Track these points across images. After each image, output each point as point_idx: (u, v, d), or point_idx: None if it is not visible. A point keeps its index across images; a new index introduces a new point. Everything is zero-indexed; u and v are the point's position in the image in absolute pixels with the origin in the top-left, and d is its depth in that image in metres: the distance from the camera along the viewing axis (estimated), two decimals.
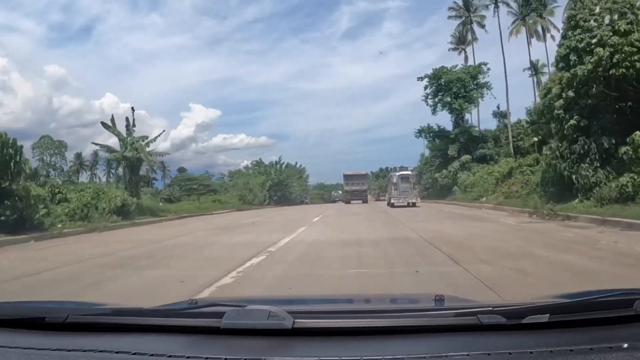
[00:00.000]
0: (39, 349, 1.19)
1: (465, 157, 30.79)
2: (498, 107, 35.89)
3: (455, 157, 31.57)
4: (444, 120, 42.42)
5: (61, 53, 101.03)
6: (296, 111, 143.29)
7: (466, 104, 34.37)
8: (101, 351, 1.16)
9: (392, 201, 26.46)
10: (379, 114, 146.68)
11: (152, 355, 1.14)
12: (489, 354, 1.09)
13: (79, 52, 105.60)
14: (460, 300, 1.65)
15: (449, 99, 35.26)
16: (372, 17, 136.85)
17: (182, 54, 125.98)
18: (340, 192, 59.04)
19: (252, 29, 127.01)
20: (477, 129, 34.83)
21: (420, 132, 36.63)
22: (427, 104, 35.32)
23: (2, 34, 75.56)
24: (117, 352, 1.15)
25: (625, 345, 1.09)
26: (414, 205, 25.16)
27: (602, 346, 1.09)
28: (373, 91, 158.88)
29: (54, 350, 1.19)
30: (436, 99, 35.74)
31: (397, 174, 28.80)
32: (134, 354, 1.14)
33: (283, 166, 54.87)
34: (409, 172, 28.87)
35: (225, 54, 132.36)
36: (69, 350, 1.19)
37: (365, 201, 43.62)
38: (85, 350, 1.18)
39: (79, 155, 64.36)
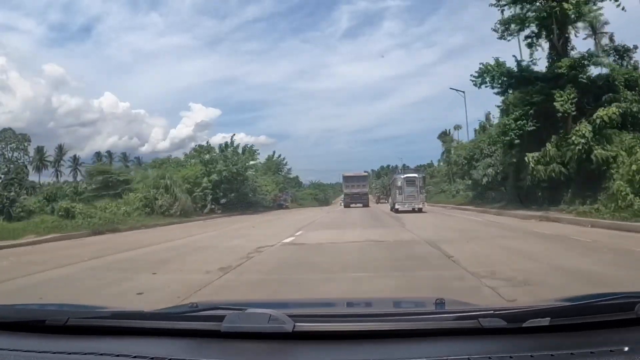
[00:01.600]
0: (40, 352, 1.27)
1: (610, 111, 16.63)
2: (611, 39, 24.64)
3: (570, 114, 17.81)
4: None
5: (60, 52, 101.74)
6: (296, 111, 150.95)
7: (588, 6, 18.73)
8: (101, 354, 1.24)
9: (397, 206, 26.59)
10: (379, 113, 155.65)
11: (152, 358, 1.20)
12: (489, 358, 1.14)
13: (79, 51, 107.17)
14: (461, 304, 1.75)
15: (539, 4, 19.15)
16: (372, 17, 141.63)
17: (182, 53, 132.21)
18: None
19: (252, 29, 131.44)
20: (603, 58, 20.20)
21: (484, 74, 20.36)
22: (500, 17, 20.20)
23: (1, 33, 69.02)
24: (118, 355, 1.23)
25: (627, 349, 1.15)
26: (420, 210, 26.05)
27: (603, 350, 1.15)
28: (374, 90, 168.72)
29: (55, 353, 1.26)
30: (514, 9, 19.79)
31: (402, 176, 27.49)
32: (135, 357, 1.22)
33: (240, 151, 37.80)
34: (415, 175, 28.04)
35: (225, 53, 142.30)
36: (69, 354, 1.26)
37: (366, 205, 44.42)
38: (85, 354, 1.24)
39: (39, 150, 59.36)
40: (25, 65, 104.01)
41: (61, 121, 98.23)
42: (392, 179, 31.66)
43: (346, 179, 48.65)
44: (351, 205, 43.46)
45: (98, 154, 70.74)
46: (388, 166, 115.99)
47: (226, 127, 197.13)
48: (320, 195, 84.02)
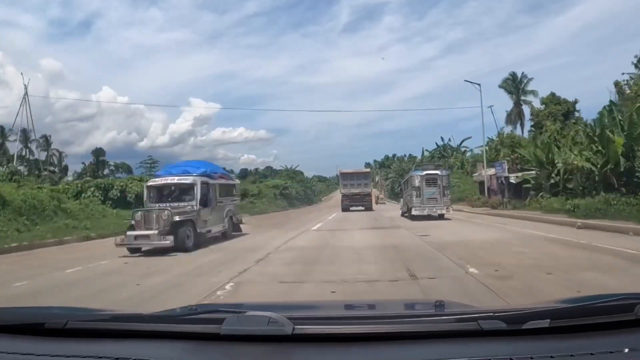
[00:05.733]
0: (39, 355, 1.25)
1: None
2: None
3: None
4: None
5: (59, 48, 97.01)
6: (296, 105, 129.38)
7: None
8: (100, 357, 1.22)
9: (414, 212, 21.45)
10: (380, 107, 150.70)
11: None
12: None
13: (77, 47, 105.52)
14: (461, 306, 1.69)
15: None
16: (372, 11, 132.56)
17: (182, 48, 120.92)
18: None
19: (252, 24, 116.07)
20: None
21: None
22: None
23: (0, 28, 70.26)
24: (117, 358, 1.21)
25: (626, 350, 1.13)
26: (442, 217, 21.02)
27: (603, 351, 1.13)
28: (374, 85, 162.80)
29: (54, 356, 1.24)
30: None
31: (422, 173, 22.21)
32: None
33: None
34: (437, 172, 22.41)
35: (225, 48, 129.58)
36: (69, 357, 1.24)
37: (368, 208, 35.73)
38: (84, 357, 1.23)
39: None
40: (23, 60, 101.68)
41: (59, 116, 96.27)
42: (408, 177, 25.85)
43: (344, 176, 38.51)
44: (351, 209, 35.75)
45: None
46: (394, 156, 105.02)
47: (226, 122, 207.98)
48: (299, 192, 58.41)
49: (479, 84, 33.43)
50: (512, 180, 26.47)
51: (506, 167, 27.23)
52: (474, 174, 39.44)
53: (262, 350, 1.21)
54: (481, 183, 34.49)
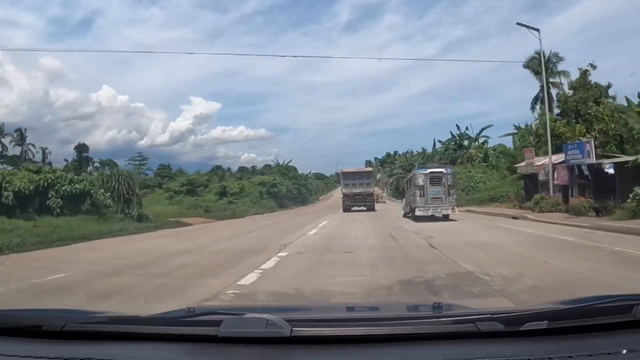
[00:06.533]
0: (36, 357, 1.25)
1: None
2: None
3: None
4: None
5: (59, 46, 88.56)
6: (296, 104, 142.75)
7: None
8: (98, 359, 1.25)
9: (417, 212, 20.38)
10: (380, 105, 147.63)
11: None
12: None
13: (77, 46, 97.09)
14: (459, 308, 1.71)
15: None
16: (372, 10, 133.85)
17: (182, 47, 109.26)
18: None
19: (252, 23, 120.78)
20: None
21: None
22: None
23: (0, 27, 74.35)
24: None
25: (624, 351, 1.13)
26: (447, 217, 20.04)
27: (601, 352, 1.13)
28: (374, 84, 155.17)
29: (52, 358, 1.24)
30: None
31: (426, 171, 21.35)
32: None
33: None
34: (442, 170, 21.48)
35: (226, 47, 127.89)
36: (66, 359, 1.24)
37: (371, 208, 35.08)
38: (82, 359, 1.23)
39: None
40: (23, 58, 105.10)
41: (59, 115, 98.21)
42: (411, 176, 24.85)
43: (345, 175, 37.53)
44: (353, 209, 34.87)
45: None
46: (395, 153, 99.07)
47: (226, 121, 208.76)
48: (291, 190, 52.77)
49: (537, 29, 23.41)
50: (608, 170, 16.30)
51: (592, 150, 17.87)
52: (519, 164, 28.26)
53: (260, 352, 1.21)
54: (531, 176, 24.53)
